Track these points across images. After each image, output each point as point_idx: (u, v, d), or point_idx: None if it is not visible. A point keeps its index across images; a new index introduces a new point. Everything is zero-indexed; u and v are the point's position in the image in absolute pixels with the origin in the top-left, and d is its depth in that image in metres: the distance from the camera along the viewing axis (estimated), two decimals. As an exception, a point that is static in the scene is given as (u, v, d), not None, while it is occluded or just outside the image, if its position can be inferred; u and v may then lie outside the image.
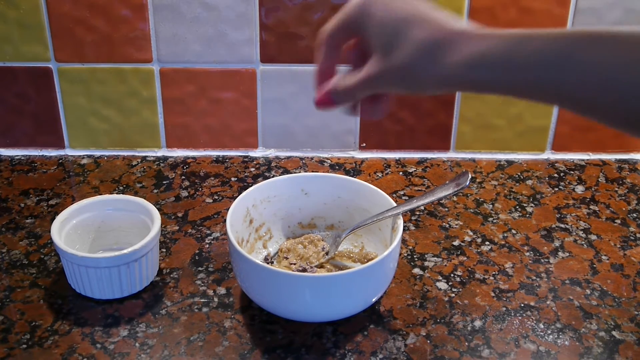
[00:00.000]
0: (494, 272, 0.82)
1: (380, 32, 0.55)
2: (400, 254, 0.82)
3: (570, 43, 0.47)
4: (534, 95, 0.51)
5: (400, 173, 1.01)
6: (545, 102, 0.52)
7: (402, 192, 0.97)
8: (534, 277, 0.81)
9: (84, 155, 1.05)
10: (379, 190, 0.78)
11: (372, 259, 0.78)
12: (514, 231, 0.89)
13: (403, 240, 0.86)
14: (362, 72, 0.57)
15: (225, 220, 0.89)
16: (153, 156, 1.05)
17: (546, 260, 0.84)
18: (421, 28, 0.53)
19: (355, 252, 0.82)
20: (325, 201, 0.82)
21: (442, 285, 0.80)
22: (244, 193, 0.78)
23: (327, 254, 0.79)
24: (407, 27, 0.53)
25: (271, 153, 1.06)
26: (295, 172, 1.01)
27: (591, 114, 0.49)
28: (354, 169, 1.03)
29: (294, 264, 0.78)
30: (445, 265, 0.83)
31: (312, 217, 0.84)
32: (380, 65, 0.55)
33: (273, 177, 0.91)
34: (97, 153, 1.05)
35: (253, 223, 0.80)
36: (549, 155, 1.05)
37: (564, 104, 0.50)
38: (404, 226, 0.77)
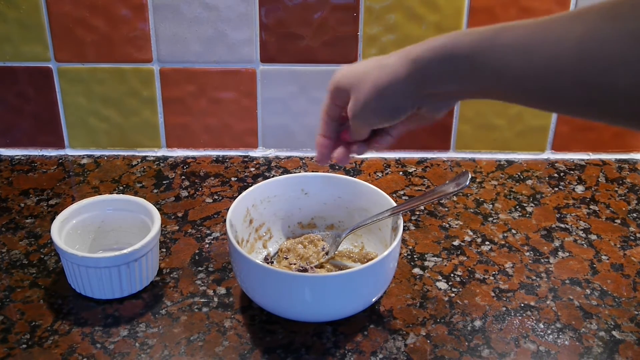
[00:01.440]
0: (494, 272, 0.82)
1: (346, 78, 0.65)
2: (400, 254, 0.82)
3: (492, 31, 0.54)
4: (473, 83, 0.57)
5: (400, 173, 1.01)
6: (486, 91, 0.57)
7: (402, 192, 0.97)
8: (534, 277, 0.81)
9: (84, 155, 1.05)
10: (379, 190, 0.78)
11: (372, 258, 0.78)
12: (514, 231, 0.89)
13: (403, 240, 0.86)
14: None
15: (225, 220, 0.89)
16: (153, 156, 1.05)
17: (546, 260, 0.84)
18: (378, 64, 0.63)
19: (355, 252, 0.82)
20: (325, 201, 0.82)
21: (442, 285, 0.80)
22: (244, 193, 0.78)
23: (327, 254, 0.79)
24: (367, 68, 0.63)
25: (271, 153, 1.06)
26: (295, 172, 1.01)
27: (523, 100, 0.55)
28: (354, 169, 1.03)
29: (294, 264, 0.78)
30: (445, 265, 0.83)
31: (312, 217, 0.84)
32: (356, 104, 0.64)
33: (273, 177, 0.91)
34: (97, 153, 1.05)
35: (253, 223, 0.80)
36: (549, 155, 1.05)
37: (500, 93, 0.56)
38: (404, 226, 0.77)
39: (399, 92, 0.61)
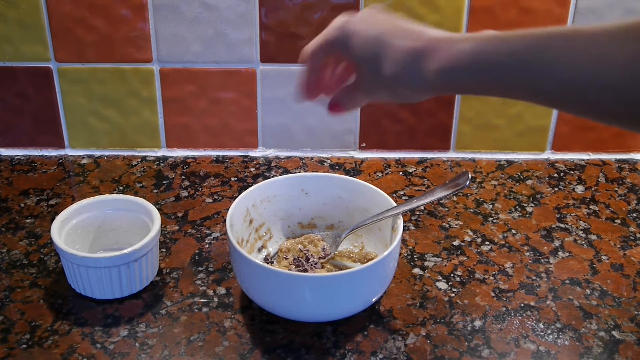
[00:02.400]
0: (494, 272, 0.82)
1: (364, 47, 0.59)
2: (400, 254, 0.82)
3: (538, 42, 0.51)
4: (512, 94, 0.54)
5: (400, 173, 1.01)
6: (524, 99, 0.55)
7: (402, 192, 0.97)
8: (534, 277, 0.81)
9: (84, 155, 1.05)
10: (379, 190, 0.78)
11: (372, 258, 0.78)
12: (514, 231, 0.89)
13: (403, 240, 0.86)
14: (353, 85, 0.62)
15: (225, 220, 0.89)
16: (153, 156, 1.05)
17: (546, 260, 0.84)
18: (402, 39, 0.58)
19: (355, 252, 0.82)
20: (325, 201, 0.82)
21: (442, 285, 0.80)
22: (244, 193, 0.78)
23: (326, 256, 0.79)
24: (389, 40, 0.58)
25: (271, 153, 1.06)
26: (295, 172, 1.01)
27: (565, 108, 0.53)
28: (354, 169, 1.03)
29: (296, 259, 0.78)
30: (445, 265, 0.83)
31: (312, 217, 0.84)
32: (367, 78, 0.60)
33: (273, 177, 0.91)
34: (97, 153, 1.05)
35: (253, 223, 0.81)
36: (549, 155, 1.05)
37: (541, 100, 0.53)
38: (403, 226, 0.77)
39: (423, 92, 0.59)
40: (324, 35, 0.63)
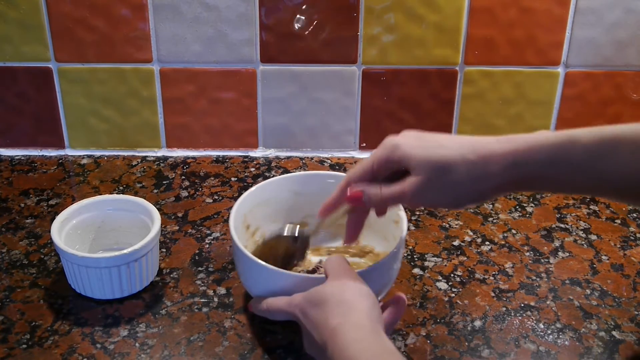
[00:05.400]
0: (494, 272, 0.82)
1: (423, 167, 0.60)
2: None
3: (611, 144, 0.56)
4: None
5: (400, 173, 1.01)
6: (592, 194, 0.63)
7: (402, 192, 0.97)
8: (534, 277, 0.81)
9: (84, 155, 1.05)
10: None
11: (369, 251, 0.78)
12: (514, 231, 0.89)
13: (403, 240, 0.86)
14: (400, 186, 0.62)
15: (225, 220, 0.89)
16: (153, 156, 1.05)
17: (546, 260, 0.84)
18: (462, 165, 0.60)
19: (353, 247, 0.81)
20: (317, 199, 0.81)
21: (442, 285, 0.80)
22: (240, 200, 0.76)
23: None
24: (449, 165, 0.60)
25: (271, 153, 1.06)
26: (294, 172, 1.00)
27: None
28: (354, 169, 1.02)
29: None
30: (445, 265, 0.83)
31: (303, 215, 0.82)
32: (423, 184, 0.61)
33: (273, 177, 0.91)
34: (97, 153, 1.05)
35: (250, 229, 0.79)
36: (549, 155, 1.05)
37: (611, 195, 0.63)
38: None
39: (486, 197, 0.62)
40: (374, 157, 0.64)
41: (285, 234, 0.75)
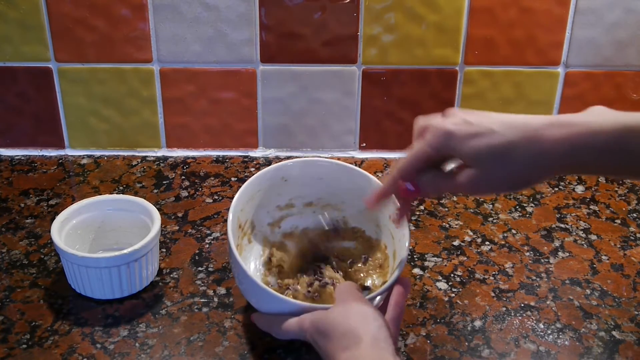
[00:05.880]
0: (494, 272, 0.82)
1: (477, 160, 0.60)
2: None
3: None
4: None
5: (400, 173, 1.01)
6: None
7: (402, 192, 0.97)
8: (534, 277, 0.81)
9: (84, 155, 1.05)
10: (360, 170, 0.76)
11: (374, 245, 0.77)
12: (514, 231, 0.89)
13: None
14: (456, 180, 0.62)
15: (225, 220, 0.89)
16: (153, 156, 1.05)
17: (546, 260, 0.84)
18: (516, 153, 0.58)
19: (355, 244, 0.80)
20: (305, 183, 0.79)
21: (442, 285, 0.80)
22: (234, 203, 0.74)
23: (320, 280, 0.77)
24: (503, 156, 0.59)
25: (271, 153, 1.06)
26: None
27: None
28: (354, 169, 1.02)
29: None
30: (445, 265, 0.83)
31: (290, 198, 0.80)
32: (478, 177, 0.60)
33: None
34: (97, 153, 1.05)
35: (241, 225, 0.78)
36: (549, 155, 1.05)
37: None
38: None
39: (539, 181, 0.62)
40: (419, 151, 0.63)
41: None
